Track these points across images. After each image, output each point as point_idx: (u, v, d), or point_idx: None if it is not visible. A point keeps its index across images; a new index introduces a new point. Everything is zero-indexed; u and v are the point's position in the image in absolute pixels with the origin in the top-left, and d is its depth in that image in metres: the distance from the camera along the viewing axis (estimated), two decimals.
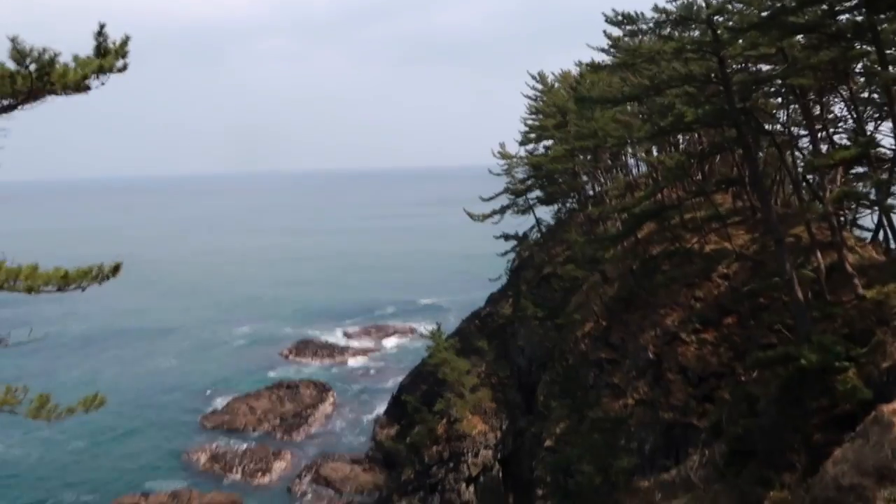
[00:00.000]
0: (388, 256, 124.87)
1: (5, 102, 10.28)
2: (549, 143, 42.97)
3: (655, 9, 21.92)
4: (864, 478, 10.79)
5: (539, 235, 44.54)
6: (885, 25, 18.40)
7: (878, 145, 21.65)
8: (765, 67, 24.03)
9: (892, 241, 21.74)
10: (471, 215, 44.57)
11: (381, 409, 50.01)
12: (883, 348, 15.10)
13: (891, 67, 18.38)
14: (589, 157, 38.49)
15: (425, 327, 60.01)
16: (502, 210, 44.00)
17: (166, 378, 59.98)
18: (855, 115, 23.23)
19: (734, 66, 23.18)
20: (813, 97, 23.64)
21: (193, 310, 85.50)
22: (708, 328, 22.18)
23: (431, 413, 34.02)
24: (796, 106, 24.65)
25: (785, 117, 25.83)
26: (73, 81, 10.02)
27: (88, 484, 40.62)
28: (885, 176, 19.16)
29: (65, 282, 11.00)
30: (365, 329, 74.07)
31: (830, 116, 25.69)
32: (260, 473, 41.51)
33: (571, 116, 37.00)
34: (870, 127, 24.48)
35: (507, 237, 44.55)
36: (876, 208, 21.41)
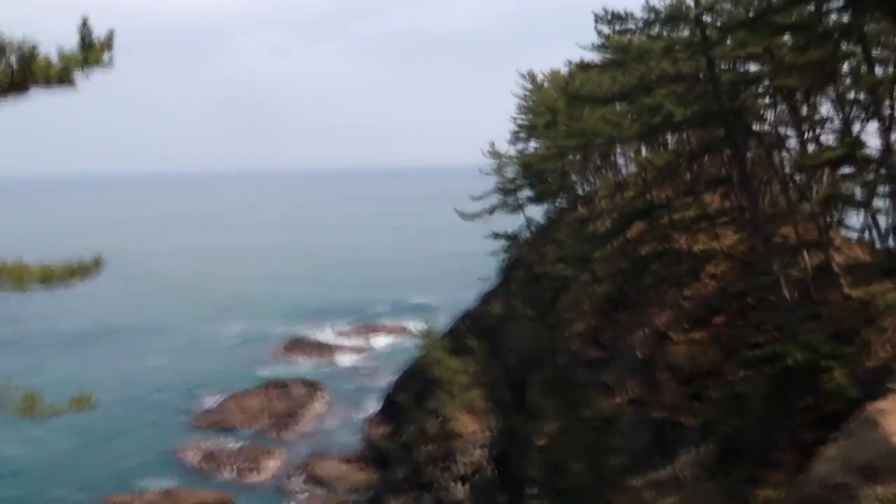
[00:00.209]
0: (380, 254, 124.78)
1: None
2: (539, 142, 43.12)
3: (645, 8, 22.09)
4: (851, 476, 10.97)
5: (529, 235, 44.71)
6: (872, 26, 18.61)
7: (865, 146, 21.90)
8: (753, 67, 24.25)
9: (878, 242, 22.02)
10: (461, 214, 44.69)
11: (373, 407, 50.06)
12: (869, 348, 15.33)
13: (877, 68, 18.62)
14: (579, 156, 38.65)
15: (417, 326, 60.10)
16: (493, 209, 44.15)
17: (157, 376, 59.76)
18: (842, 116, 23.47)
19: (723, 65, 23.38)
20: (800, 97, 23.86)
21: (184, 307, 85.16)
22: (697, 327, 22.40)
23: (423, 412, 34.12)
24: (784, 106, 24.87)
25: (773, 117, 26.06)
26: (57, 75, 10.01)
27: (78, 482, 40.47)
28: (871, 177, 19.39)
29: (48, 277, 11.00)
30: (357, 328, 74.05)
31: (817, 117, 25.93)
32: (251, 472, 41.48)
33: (561, 116, 37.14)
34: (856, 127, 24.74)
35: (497, 236, 44.70)
36: (862, 209, 21.66)
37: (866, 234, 23.36)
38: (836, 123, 25.44)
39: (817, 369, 14.93)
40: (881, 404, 12.36)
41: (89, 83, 10.91)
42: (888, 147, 17.10)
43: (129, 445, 45.73)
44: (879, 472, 10.97)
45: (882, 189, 19.96)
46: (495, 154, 43.65)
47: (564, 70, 42.84)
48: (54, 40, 10.31)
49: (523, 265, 41.76)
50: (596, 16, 23.04)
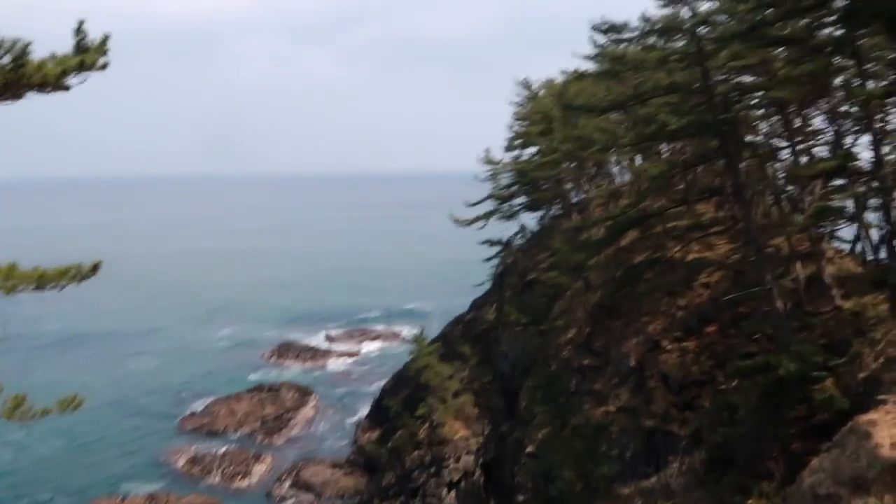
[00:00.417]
0: (372, 260, 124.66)
1: None
2: (534, 149, 43.23)
3: (641, 18, 22.21)
4: (841, 487, 10.98)
5: (523, 242, 44.76)
6: (865, 40, 18.76)
7: (856, 158, 22.04)
8: (748, 79, 24.39)
9: (869, 253, 22.13)
10: (456, 220, 44.69)
11: (362, 412, 49.88)
12: (860, 359, 15.38)
13: (870, 82, 18.75)
14: (573, 164, 38.75)
15: (408, 331, 59.96)
16: (487, 216, 44.17)
17: (145, 379, 59.36)
18: (835, 128, 23.62)
19: (717, 76, 23.51)
20: (794, 109, 24.01)
21: (174, 311, 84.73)
22: (689, 336, 22.42)
23: (413, 417, 34.01)
24: (777, 118, 25.01)
25: (766, 129, 26.20)
26: (52, 77, 9.95)
27: (64, 486, 40.12)
28: (862, 189, 19.51)
29: (42, 281, 10.92)
30: (348, 332, 73.86)
31: (810, 129, 26.09)
32: (239, 477, 41.18)
33: (556, 123, 37.25)
34: (849, 140, 24.91)
35: (491, 243, 44.70)
36: (853, 221, 21.79)
37: (858, 246, 23.49)
38: (829, 136, 25.64)
39: (809, 380, 14.96)
40: (872, 415, 12.38)
41: (85, 86, 10.87)
42: (879, 160, 17.20)
43: (116, 449, 45.38)
44: (869, 483, 10.98)
45: (873, 202, 20.07)
46: (490, 161, 43.72)
47: (560, 79, 43.10)
48: (49, 43, 10.24)
49: (516, 272, 41.79)
50: (592, 26, 23.15)
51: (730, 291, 21.99)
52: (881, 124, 19.89)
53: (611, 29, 22.98)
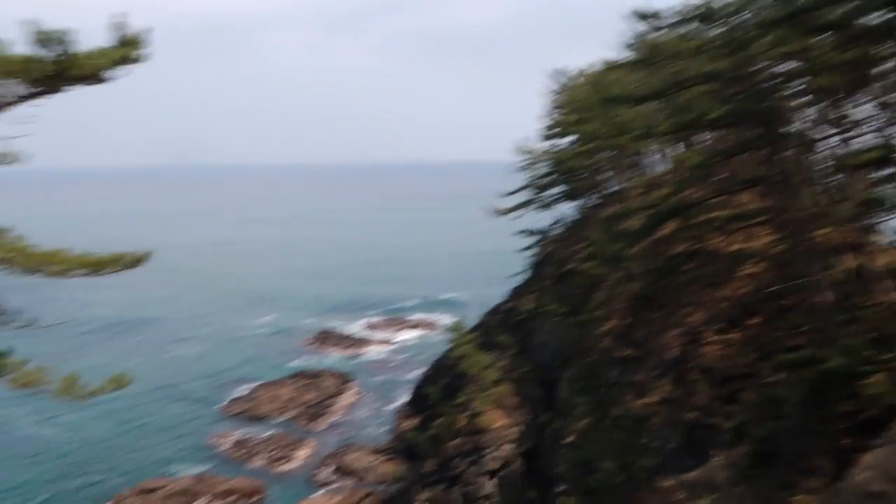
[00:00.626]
0: (409, 250, 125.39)
1: (28, 91, 10.65)
2: (570, 138, 43.01)
3: (678, 6, 21.95)
4: (890, 485, 10.92)
5: (561, 231, 44.66)
6: None
7: None
8: (790, 66, 23.90)
9: None
10: (492, 210, 44.81)
11: (401, 400, 50.58)
12: None
13: None
14: (611, 153, 38.48)
15: (446, 321, 60.46)
16: (523, 205, 44.19)
17: (190, 365, 61.05)
18: (881, 117, 23.03)
19: (759, 64, 23.09)
20: (839, 96, 23.47)
21: (216, 299, 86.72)
22: (732, 328, 22.22)
23: (452, 406, 34.38)
24: (822, 105, 24.48)
25: (811, 116, 25.65)
26: (93, 70, 10.34)
27: (115, 466, 41.66)
28: None
29: (96, 267, 11.41)
30: (386, 321, 74.71)
31: (856, 117, 25.46)
32: (282, 461, 42.20)
33: (593, 112, 37.01)
34: None
35: (528, 233, 44.72)
36: None
37: None
38: (877, 124, 24.99)
39: (856, 374, 14.76)
40: None
41: (124, 79, 11.24)
42: None
43: (163, 432, 46.88)
44: None
45: None
46: (526, 151, 43.63)
47: (596, 67, 42.72)
48: (85, 40, 10.60)
49: (554, 262, 41.74)
50: (628, 14, 22.96)
51: (774, 283, 21.73)
52: None
53: (647, 17, 22.76)
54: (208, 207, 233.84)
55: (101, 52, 10.29)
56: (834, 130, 23.08)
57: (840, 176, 23.53)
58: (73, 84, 10.59)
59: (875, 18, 18.17)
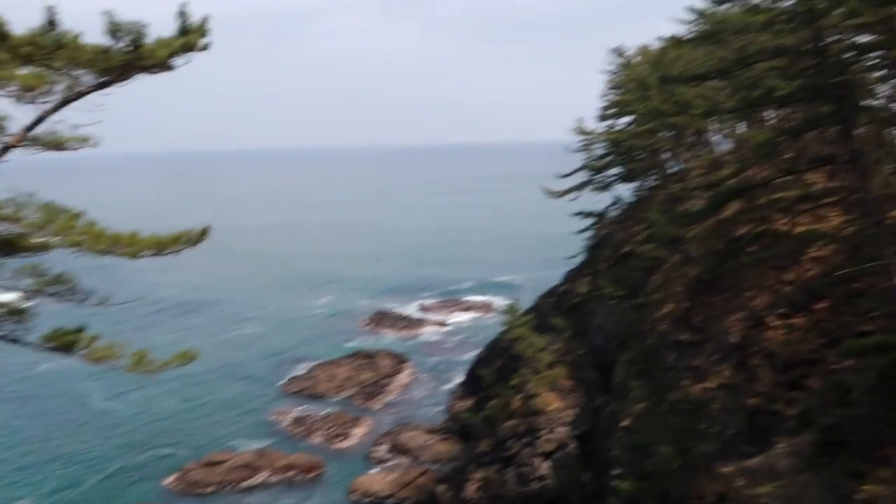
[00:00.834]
0: (463, 232, 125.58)
1: (100, 79, 11.05)
2: (628, 118, 42.05)
3: None
4: None
5: (618, 213, 43.86)
6: None
7: None
8: (865, 38, 22.72)
9: None
10: (548, 192, 44.32)
11: (456, 381, 50.98)
12: None
13: None
14: (671, 133, 37.46)
15: (500, 303, 60.48)
16: (580, 187, 43.51)
17: (251, 344, 62.99)
18: None
19: (831, 36, 22.02)
20: None
21: (276, 280, 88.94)
22: (797, 313, 21.48)
23: (507, 388, 34.43)
24: None
25: (886, 91, 24.37)
26: (161, 58, 10.65)
27: (181, 441, 43.45)
28: None
29: (160, 247, 11.82)
30: (440, 303, 75.24)
31: None
32: (339, 438, 43.21)
33: (653, 91, 36.04)
34: None
35: (584, 215, 44.07)
36: None
37: None
38: None
39: None
40: None
41: (188, 68, 11.52)
42: None
43: (227, 408, 48.61)
44: None
45: None
46: (583, 131, 42.85)
47: (656, 44, 41.55)
48: (149, 29, 10.90)
49: (610, 244, 41.11)
50: None
51: (843, 266, 20.84)
52: None
53: None
54: (268, 191, 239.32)
55: (166, 41, 10.59)
56: None
57: None
58: (141, 73, 10.96)
59: None
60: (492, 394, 35.82)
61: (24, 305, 12.74)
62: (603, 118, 43.65)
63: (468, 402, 43.11)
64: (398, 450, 40.92)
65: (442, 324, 67.97)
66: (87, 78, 10.92)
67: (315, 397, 49.77)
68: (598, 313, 36.81)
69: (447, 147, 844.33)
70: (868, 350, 15.93)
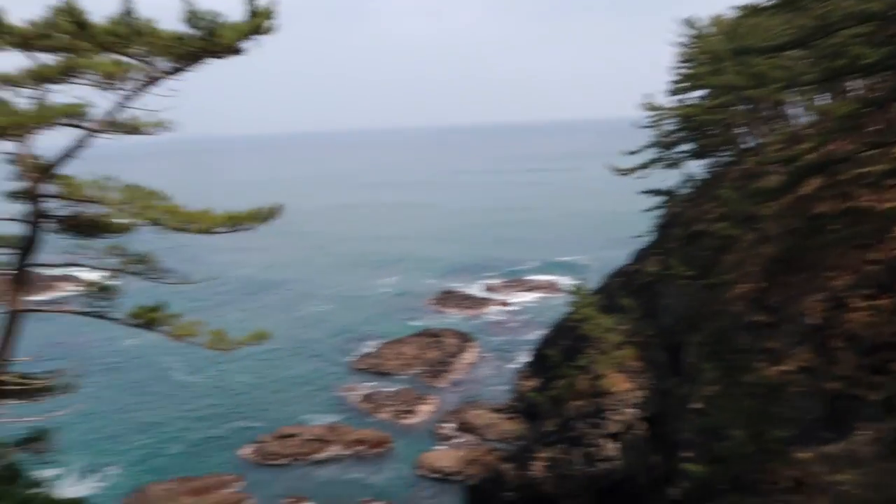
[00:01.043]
0: (529, 211, 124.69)
1: (174, 65, 11.42)
2: (701, 92, 40.57)
3: None
4: None
5: (689, 191, 42.53)
6: None
7: None
8: None
9: None
10: (615, 170, 43.39)
11: (522, 360, 50.96)
12: None
13: None
14: (746, 106, 35.94)
15: (566, 283, 59.88)
16: (649, 164, 42.41)
17: (320, 322, 64.69)
18: None
19: None
20: None
21: (344, 260, 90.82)
22: (883, 294, 20.38)
23: (573, 368, 34.13)
24: None
25: None
26: (230, 43, 10.91)
27: (256, 413, 45.21)
28: None
29: (233, 223, 12.22)
30: (506, 283, 75.11)
31: None
32: (407, 415, 43.97)
33: (727, 63, 34.59)
34: None
35: (653, 192, 42.94)
36: None
37: None
38: None
39: None
40: None
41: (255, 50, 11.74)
42: None
43: (298, 384, 50.21)
44: None
45: None
46: (652, 106, 41.61)
47: (730, 14, 39.74)
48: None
49: (681, 223, 39.91)
50: None
51: None
52: None
53: None
54: (335, 172, 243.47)
55: (235, 25, 10.86)
56: None
57: None
58: (213, 57, 11.29)
59: None
60: (558, 374, 35.61)
61: (110, 283, 13.46)
62: (673, 93, 42.28)
63: (534, 382, 43.04)
64: (464, 427, 41.34)
65: (508, 303, 67.91)
66: (163, 64, 11.33)
67: (383, 374, 50.75)
68: (668, 293, 35.92)
69: (511, 125, 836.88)
70: None
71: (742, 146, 38.64)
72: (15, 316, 12.78)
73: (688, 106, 40.77)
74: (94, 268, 13.24)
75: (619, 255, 52.28)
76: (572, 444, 31.32)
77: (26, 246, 12.69)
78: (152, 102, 11.77)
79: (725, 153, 41.05)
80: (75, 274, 61.70)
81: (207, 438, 41.77)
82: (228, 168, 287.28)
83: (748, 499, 20.38)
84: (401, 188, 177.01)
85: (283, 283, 79.42)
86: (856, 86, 31.17)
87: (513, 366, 51.17)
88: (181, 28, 10.76)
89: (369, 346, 56.31)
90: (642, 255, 44.28)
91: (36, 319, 13.73)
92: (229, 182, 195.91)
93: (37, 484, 10.91)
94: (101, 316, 13.52)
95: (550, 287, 71.93)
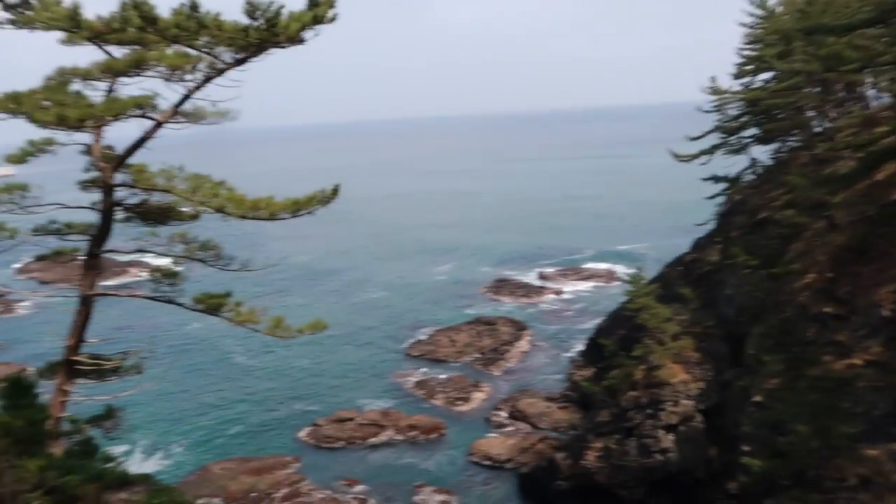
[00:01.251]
0: (585, 199, 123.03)
1: (238, 56, 11.65)
2: (768, 75, 39.04)
3: None
4: None
5: (754, 177, 41.09)
6: None
7: None
8: None
9: None
10: (676, 156, 42.29)
11: (576, 350, 50.51)
12: None
13: None
14: (817, 88, 34.41)
15: (622, 272, 58.91)
16: (712, 150, 41.14)
17: (375, 308, 65.51)
18: None
19: None
20: None
21: (398, 248, 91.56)
22: None
23: (629, 358, 33.62)
24: None
25: None
26: (293, 32, 11.04)
27: (312, 396, 46.22)
28: None
29: (296, 207, 12.46)
30: (561, 271, 74.40)
31: None
32: (460, 402, 44.18)
33: (797, 44, 33.16)
34: None
35: (716, 179, 41.66)
36: None
37: None
38: None
39: None
40: None
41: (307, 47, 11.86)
42: None
43: (353, 368, 51.07)
44: None
45: None
46: (716, 90, 40.26)
47: None
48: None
49: (745, 210, 38.62)
50: None
51: None
52: None
53: None
54: (388, 161, 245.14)
55: (298, 15, 11.01)
56: None
57: None
58: (275, 48, 11.49)
59: None
60: (613, 364, 35.14)
61: (176, 269, 13.95)
62: (738, 75, 40.81)
63: (588, 372, 42.63)
64: (517, 415, 41.29)
65: (562, 292, 67.27)
66: (227, 55, 11.61)
67: (437, 361, 51.09)
68: (730, 283, 34.93)
69: (569, 112, 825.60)
70: None
71: (812, 130, 37.07)
72: (87, 300, 13.40)
73: (754, 89, 39.33)
74: (161, 254, 13.74)
75: (677, 244, 51.11)
76: (627, 435, 30.94)
77: (98, 233, 13.27)
78: (216, 93, 12.08)
79: (794, 138, 39.46)
80: (144, 260, 64.26)
81: (266, 420, 42.98)
82: (277, 158, 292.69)
83: (811, 495, 19.77)
84: (455, 176, 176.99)
85: (339, 271, 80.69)
86: None
87: (567, 355, 50.77)
88: (243, 20, 10.98)
89: (423, 333, 56.72)
90: (702, 244, 43.16)
91: (107, 303, 14.38)
92: (280, 171, 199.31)
93: (111, 459, 11.45)
94: (167, 300, 14.05)
95: (607, 276, 70.91)
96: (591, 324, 53.00)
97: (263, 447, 39.31)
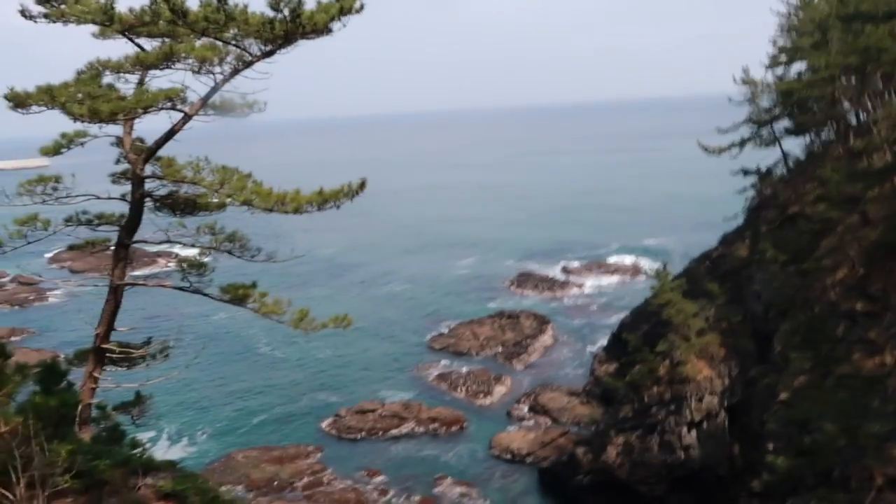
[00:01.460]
0: (611, 192, 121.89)
1: (265, 48, 11.71)
2: (802, 65, 38.25)
3: None
4: None
5: (785, 171, 40.34)
6: None
7: None
8: None
9: None
10: (705, 148, 41.64)
11: (599, 344, 50.24)
12: None
13: None
14: (854, 80, 33.62)
15: (648, 266, 58.32)
16: (742, 143, 40.40)
17: (398, 301, 65.73)
18: None
19: None
20: None
21: (421, 241, 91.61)
22: None
23: (653, 353, 33.31)
24: None
25: None
26: (321, 23, 11.04)
27: (335, 388, 46.59)
28: None
29: (322, 200, 12.51)
30: (585, 265, 73.91)
31: None
32: (481, 395, 44.23)
33: (834, 33, 32.46)
34: None
35: (746, 172, 40.94)
36: None
37: None
38: None
39: None
40: None
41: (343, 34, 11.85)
42: None
43: (376, 360, 51.35)
44: None
45: None
46: (749, 81, 39.48)
47: None
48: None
49: (775, 205, 37.94)
50: None
51: None
52: None
53: None
54: (415, 153, 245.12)
55: (325, 6, 11.03)
56: None
57: None
58: (303, 39, 11.53)
59: None
60: (636, 359, 34.84)
61: (203, 260, 14.12)
62: (772, 66, 39.99)
63: (611, 367, 42.38)
64: (538, 410, 41.23)
65: (586, 286, 66.89)
66: (255, 47, 11.68)
67: (459, 354, 51.16)
68: (757, 279, 34.41)
69: (596, 104, 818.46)
70: None
71: (847, 123, 36.27)
72: (117, 289, 13.63)
73: (787, 81, 38.57)
74: (189, 245, 13.91)
75: (704, 239, 50.45)
76: (649, 431, 30.74)
77: (128, 224, 13.48)
78: (244, 85, 12.18)
79: (828, 130, 38.66)
80: (172, 250, 65.11)
81: (289, 410, 43.44)
82: (301, 150, 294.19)
83: (837, 495, 19.49)
84: (480, 169, 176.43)
85: (363, 263, 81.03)
86: None
87: (590, 349, 50.53)
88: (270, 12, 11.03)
89: (446, 327, 56.81)
90: (730, 239, 42.53)
91: (136, 292, 14.62)
92: (306, 164, 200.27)
93: (138, 445, 11.68)
94: (194, 290, 14.23)
95: (631, 270, 70.34)
96: (615, 319, 52.65)
97: (286, 437, 39.78)
